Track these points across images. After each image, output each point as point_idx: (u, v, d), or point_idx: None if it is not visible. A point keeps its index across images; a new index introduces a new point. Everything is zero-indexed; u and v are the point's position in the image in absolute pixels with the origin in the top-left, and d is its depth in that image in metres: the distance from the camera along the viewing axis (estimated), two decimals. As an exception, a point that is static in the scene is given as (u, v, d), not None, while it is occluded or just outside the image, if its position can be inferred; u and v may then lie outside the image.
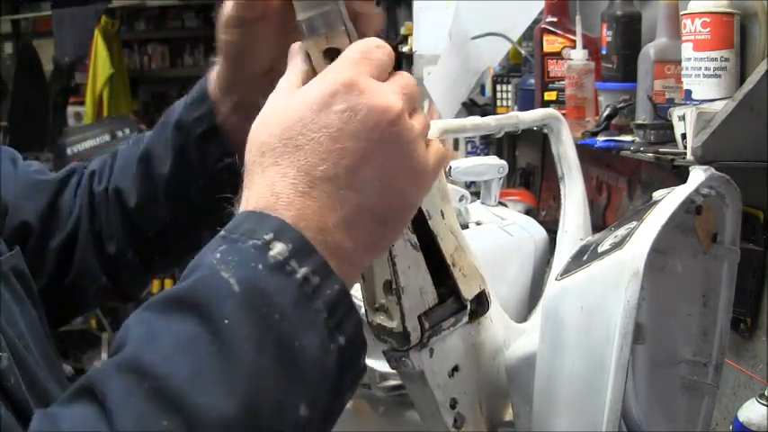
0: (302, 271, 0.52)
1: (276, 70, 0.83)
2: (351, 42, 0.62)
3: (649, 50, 1.44)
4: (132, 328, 0.52)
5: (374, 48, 0.60)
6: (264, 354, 0.50)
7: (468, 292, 0.74)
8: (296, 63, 0.63)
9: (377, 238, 0.58)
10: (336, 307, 0.53)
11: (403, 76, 0.61)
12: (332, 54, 0.62)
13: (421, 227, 0.71)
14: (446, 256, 0.72)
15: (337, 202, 0.55)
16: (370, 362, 0.98)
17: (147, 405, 0.48)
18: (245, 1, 0.82)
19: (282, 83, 0.62)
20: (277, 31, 0.84)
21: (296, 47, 0.64)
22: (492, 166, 1.11)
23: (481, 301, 0.76)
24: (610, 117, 1.55)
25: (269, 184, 0.56)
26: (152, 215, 0.97)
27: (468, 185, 1.66)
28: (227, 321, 0.49)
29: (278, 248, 0.52)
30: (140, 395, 0.48)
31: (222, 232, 0.55)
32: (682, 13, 1.29)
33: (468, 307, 0.75)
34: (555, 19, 1.84)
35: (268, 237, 0.52)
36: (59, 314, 1.08)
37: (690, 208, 0.80)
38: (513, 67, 2.26)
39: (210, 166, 0.92)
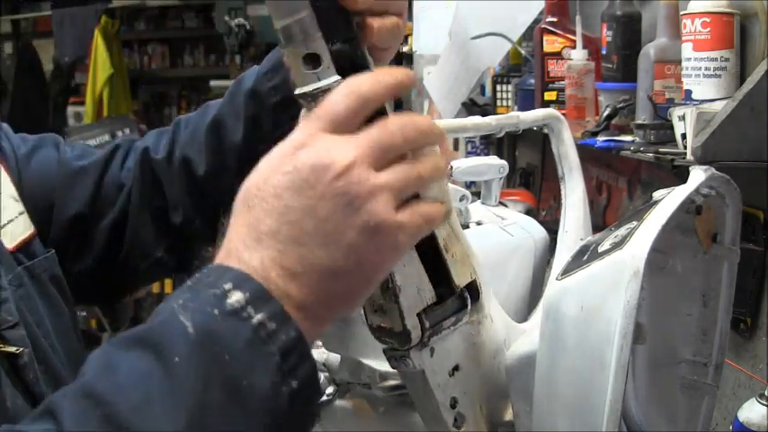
0: (258, 317, 0.56)
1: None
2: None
3: (649, 50, 1.44)
4: (93, 360, 0.56)
5: (340, 97, 0.60)
6: (210, 389, 0.54)
7: (460, 278, 0.74)
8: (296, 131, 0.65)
9: (331, 291, 0.60)
10: (291, 352, 0.56)
11: (381, 126, 0.60)
12: (311, 60, 0.62)
13: None
14: (439, 239, 0.73)
15: (279, 253, 0.58)
16: (370, 362, 0.98)
17: (99, 429, 0.52)
18: None
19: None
20: None
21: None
22: (492, 166, 1.11)
23: (472, 292, 0.76)
24: (610, 117, 1.55)
25: (227, 241, 0.60)
26: (221, 184, 0.97)
27: (469, 185, 1.66)
28: (177, 359, 0.54)
29: (236, 296, 0.56)
30: (93, 420, 0.53)
31: (188, 282, 0.58)
32: (682, 13, 1.29)
33: (469, 306, 0.75)
34: (555, 19, 1.84)
35: (227, 286, 0.56)
36: (110, 293, 1.12)
37: (690, 208, 0.80)
38: (513, 67, 2.26)
39: (283, 135, 0.95)
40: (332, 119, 0.60)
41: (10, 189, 0.95)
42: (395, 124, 0.60)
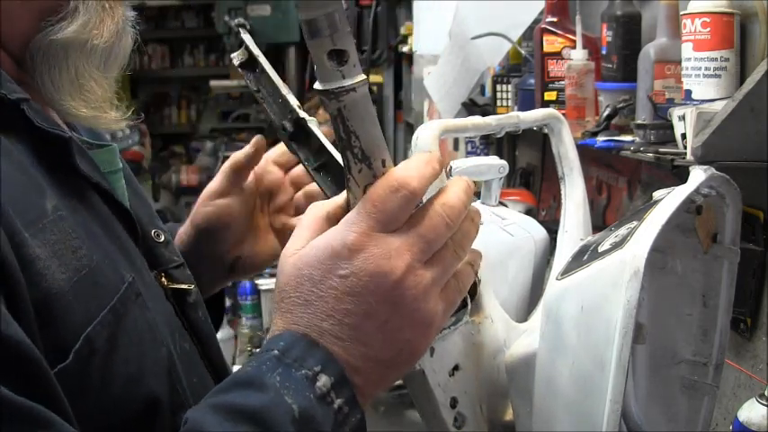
0: (338, 402, 0.62)
1: (237, 254, 1.00)
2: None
3: (649, 50, 1.44)
4: (210, 427, 0.59)
5: (389, 194, 0.62)
6: None
7: None
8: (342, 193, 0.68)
9: (386, 377, 0.66)
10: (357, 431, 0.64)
11: (428, 218, 0.63)
12: (337, 56, 0.60)
13: None
14: None
15: (342, 350, 0.63)
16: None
17: None
18: (231, 177, 0.98)
19: (315, 207, 0.67)
20: (246, 217, 0.99)
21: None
22: (493, 165, 1.11)
23: (470, 290, 0.76)
24: (610, 117, 1.55)
25: (285, 328, 0.64)
26: None
27: (469, 185, 1.66)
28: None
29: (323, 380, 0.62)
30: None
31: (276, 352, 0.62)
32: (682, 13, 1.29)
33: (469, 306, 0.75)
34: (555, 19, 1.84)
35: (317, 368, 0.62)
36: None
37: (690, 208, 0.80)
38: (513, 67, 2.26)
39: None
40: (384, 219, 0.62)
41: None
42: (438, 214, 0.64)
